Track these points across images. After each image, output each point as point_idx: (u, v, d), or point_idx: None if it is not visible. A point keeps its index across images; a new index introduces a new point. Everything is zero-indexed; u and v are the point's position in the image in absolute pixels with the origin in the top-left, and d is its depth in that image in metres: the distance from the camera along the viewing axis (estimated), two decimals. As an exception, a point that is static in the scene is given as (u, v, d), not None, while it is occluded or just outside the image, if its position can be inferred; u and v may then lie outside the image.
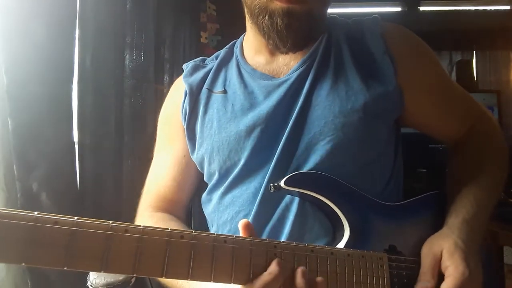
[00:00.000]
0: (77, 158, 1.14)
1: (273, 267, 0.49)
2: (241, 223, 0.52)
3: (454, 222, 0.64)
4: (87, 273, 0.88)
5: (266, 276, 0.48)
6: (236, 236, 0.49)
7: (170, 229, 0.46)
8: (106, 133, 1.25)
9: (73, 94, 1.10)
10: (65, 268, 0.40)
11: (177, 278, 0.45)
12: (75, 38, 1.12)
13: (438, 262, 0.60)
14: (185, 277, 0.45)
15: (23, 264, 0.39)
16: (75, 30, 1.13)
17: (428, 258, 0.60)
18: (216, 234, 0.48)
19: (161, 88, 1.79)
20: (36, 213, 0.40)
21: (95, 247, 0.41)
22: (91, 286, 0.85)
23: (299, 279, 0.49)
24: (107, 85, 1.26)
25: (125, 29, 1.44)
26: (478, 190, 0.68)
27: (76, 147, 1.13)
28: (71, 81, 1.08)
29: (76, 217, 0.42)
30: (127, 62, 1.46)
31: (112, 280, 0.83)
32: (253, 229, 0.52)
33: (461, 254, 0.58)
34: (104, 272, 0.42)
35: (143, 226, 0.44)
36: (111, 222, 0.43)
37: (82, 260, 0.41)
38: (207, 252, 0.46)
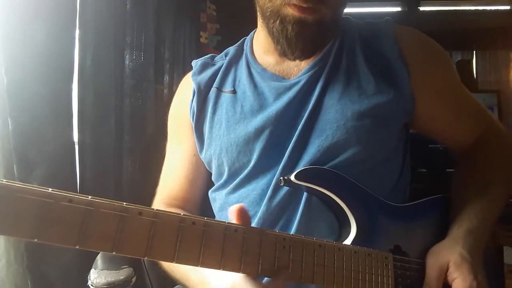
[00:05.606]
0: (77, 158, 1.14)
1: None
2: (233, 208, 0.50)
3: (458, 232, 0.63)
4: (88, 273, 0.88)
5: None
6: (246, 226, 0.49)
7: (183, 214, 0.46)
8: (106, 133, 1.25)
9: (73, 94, 1.10)
10: (77, 247, 0.40)
11: (188, 264, 0.45)
12: (75, 38, 1.12)
13: (443, 273, 0.59)
14: (196, 263, 0.45)
15: (36, 240, 0.38)
16: (75, 30, 1.13)
17: (434, 269, 0.60)
18: (227, 223, 0.48)
19: (161, 88, 1.79)
20: (50, 189, 0.39)
21: (108, 228, 0.41)
22: (91, 285, 0.85)
23: None
24: (107, 85, 1.26)
25: (125, 29, 1.44)
26: (484, 201, 0.67)
27: (76, 147, 1.13)
28: (71, 81, 1.08)
29: (90, 196, 0.42)
30: (127, 62, 1.46)
31: (113, 279, 0.83)
32: (247, 216, 0.50)
33: (469, 267, 0.58)
34: (116, 253, 0.41)
35: (157, 210, 0.44)
36: (125, 203, 0.43)
37: (94, 239, 0.40)
38: (218, 240, 0.47)
